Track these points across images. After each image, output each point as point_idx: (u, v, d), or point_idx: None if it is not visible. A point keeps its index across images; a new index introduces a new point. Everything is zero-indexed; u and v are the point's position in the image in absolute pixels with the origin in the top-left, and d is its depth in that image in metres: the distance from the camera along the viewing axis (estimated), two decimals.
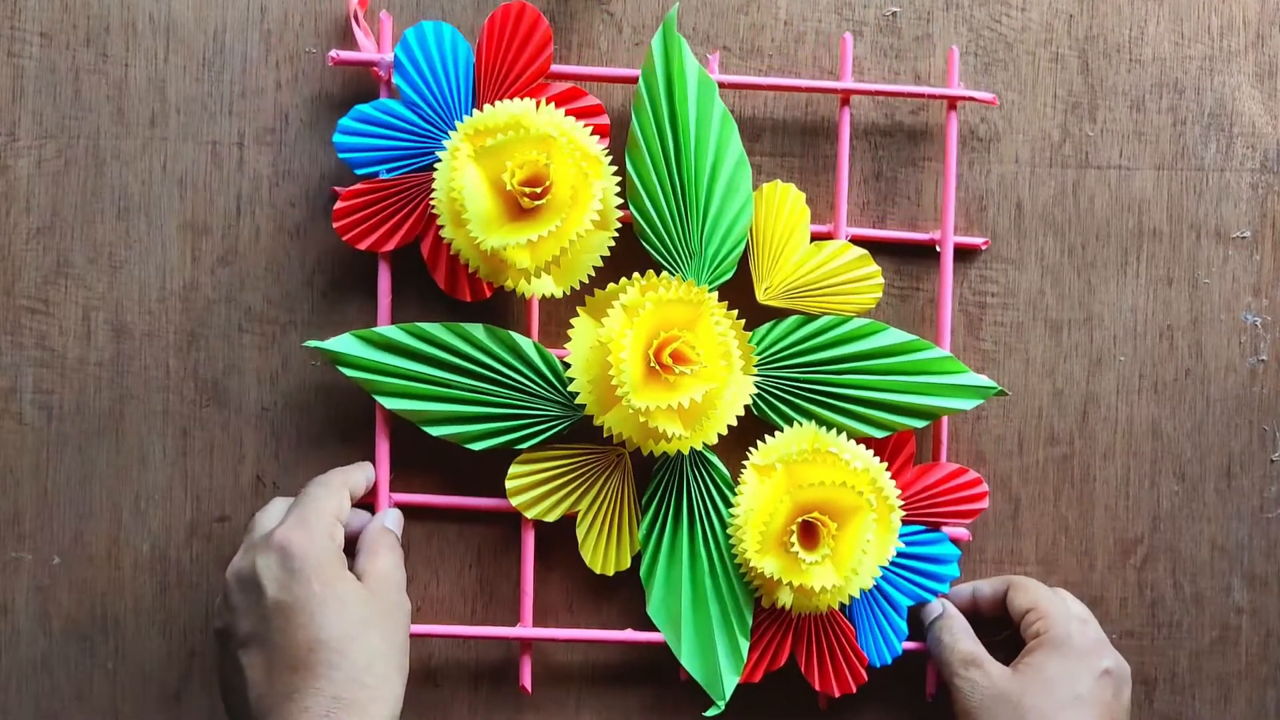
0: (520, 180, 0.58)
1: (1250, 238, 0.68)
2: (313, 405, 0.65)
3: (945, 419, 0.65)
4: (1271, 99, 0.68)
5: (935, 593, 0.65)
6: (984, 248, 0.67)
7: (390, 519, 0.62)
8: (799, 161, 0.66)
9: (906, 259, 0.67)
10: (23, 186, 0.64)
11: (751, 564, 0.61)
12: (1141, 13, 0.68)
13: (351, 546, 0.60)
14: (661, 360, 0.59)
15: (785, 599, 0.62)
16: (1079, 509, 0.68)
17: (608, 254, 0.61)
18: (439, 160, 0.60)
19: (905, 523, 0.64)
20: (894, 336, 0.64)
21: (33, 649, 0.64)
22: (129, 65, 0.64)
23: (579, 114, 0.62)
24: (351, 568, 0.58)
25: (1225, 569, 0.69)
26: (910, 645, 0.65)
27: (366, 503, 0.63)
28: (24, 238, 0.64)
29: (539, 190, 0.58)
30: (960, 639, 0.63)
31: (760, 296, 0.64)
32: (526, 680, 0.64)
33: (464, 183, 0.58)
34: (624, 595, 0.66)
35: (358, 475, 0.62)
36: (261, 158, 0.64)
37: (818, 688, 0.64)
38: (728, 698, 0.62)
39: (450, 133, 0.60)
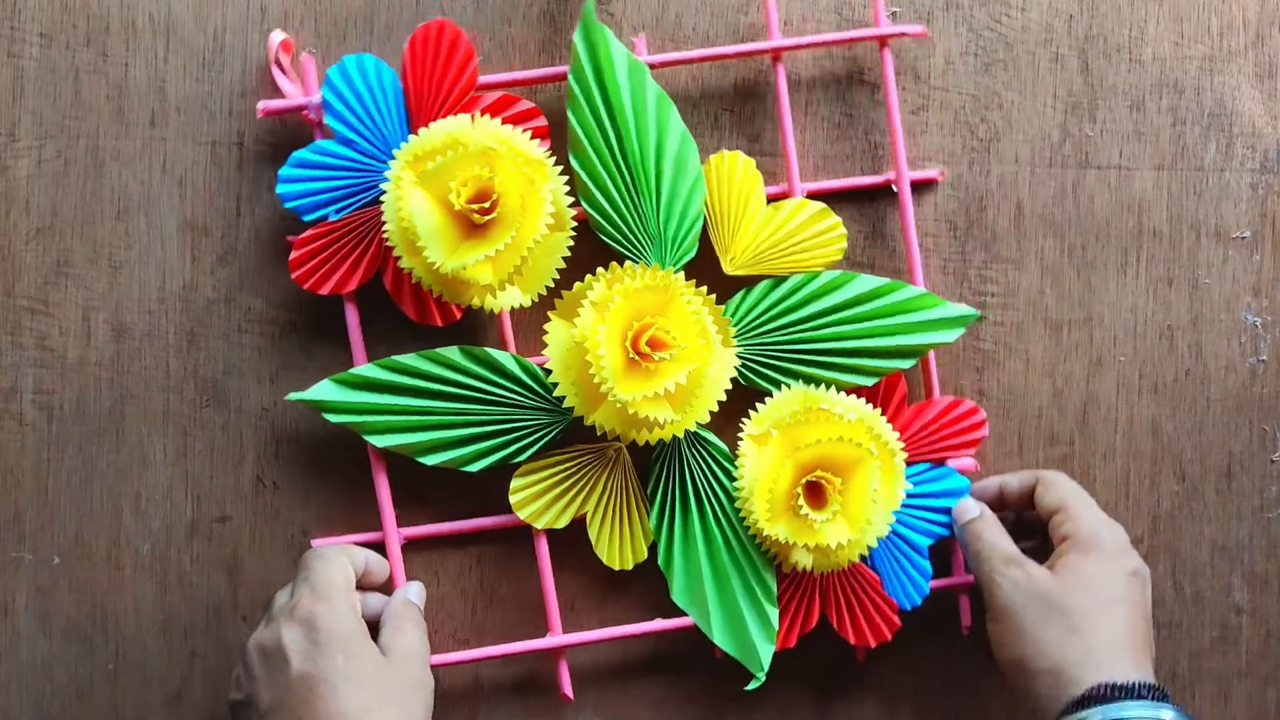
0: (467, 197, 0.58)
1: (1250, 238, 0.68)
2: (311, 405, 0.65)
3: (932, 354, 0.65)
4: (1271, 99, 0.68)
5: (951, 526, 0.64)
6: (940, 179, 0.67)
7: (413, 592, 0.62)
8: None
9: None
10: (23, 186, 0.64)
11: (764, 532, 0.61)
12: (1141, 13, 0.68)
13: (370, 626, 0.60)
14: (640, 349, 0.59)
15: (804, 561, 0.62)
16: None
17: (569, 254, 0.61)
18: (384, 192, 0.59)
19: (910, 463, 0.64)
20: (866, 283, 0.63)
21: (33, 649, 0.64)
22: (129, 65, 0.64)
23: (515, 120, 0.61)
24: (375, 641, 0.58)
25: (1225, 569, 0.69)
26: (938, 583, 0.65)
27: (377, 543, 0.63)
28: (24, 238, 0.64)
29: (488, 205, 0.58)
30: (1000, 538, 0.62)
31: (727, 268, 0.64)
32: (567, 688, 0.64)
33: (412, 210, 0.58)
34: (641, 587, 0.65)
35: (354, 552, 0.61)
36: (261, 158, 0.64)
37: (853, 641, 0.64)
38: (766, 668, 0.62)
39: (390, 162, 0.60)
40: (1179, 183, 0.68)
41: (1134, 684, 0.56)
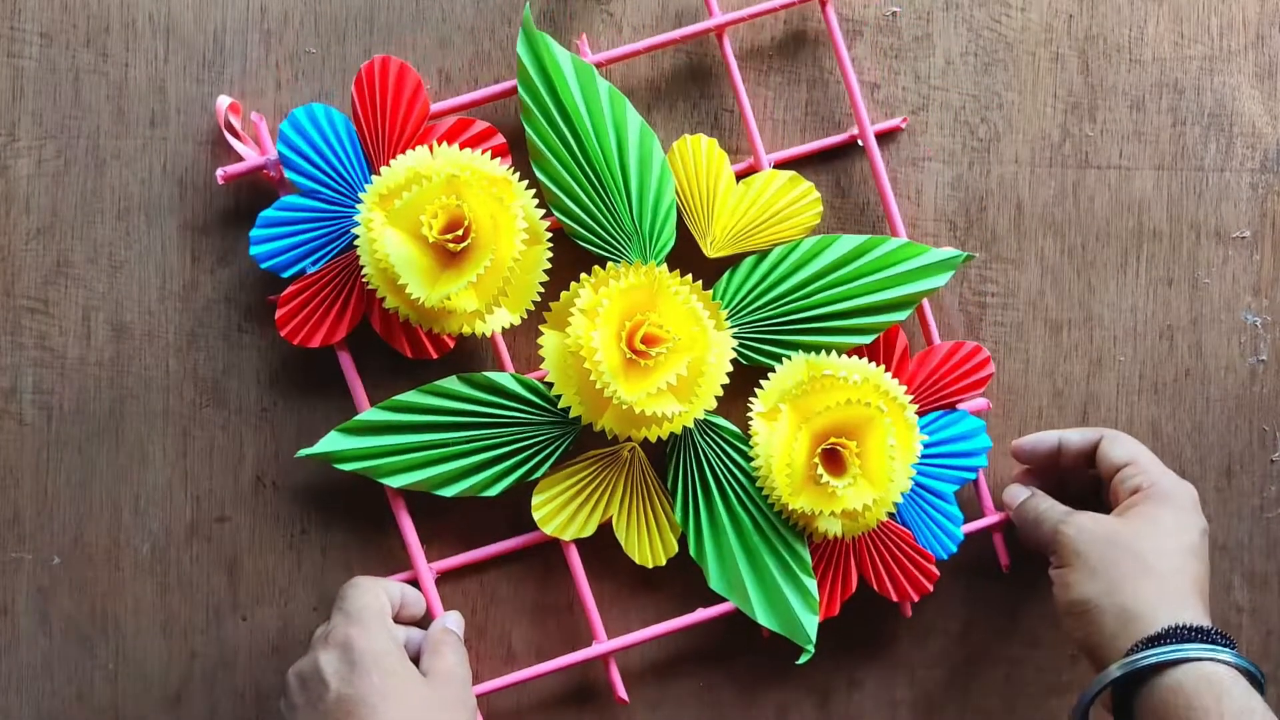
0: (440, 228, 0.58)
1: (1250, 238, 0.68)
2: (313, 405, 0.65)
3: (926, 302, 0.65)
4: (1271, 99, 0.68)
5: (975, 469, 0.64)
6: (904, 125, 0.66)
7: (451, 620, 0.62)
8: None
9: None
10: (23, 186, 0.64)
11: (789, 507, 0.61)
12: (1141, 13, 0.68)
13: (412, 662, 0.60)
14: (635, 347, 0.59)
15: (833, 528, 0.62)
16: None
17: (550, 265, 0.61)
18: (357, 236, 0.59)
19: (922, 413, 0.64)
20: (847, 243, 0.63)
21: (33, 649, 0.64)
22: (129, 65, 0.64)
23: (473, 142, 0.62)
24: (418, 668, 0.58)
25: (1225, 569, 0.69)
26: (970, 527, 0.65)
27: (410, 579, 0.63)
28: (24, 238, 0.64)
29: (461, 232, 0.58)
30: (1056, 504, 0.62)
31: (708, 252, 0.64)
32: (621, 691, 0.64)
33: (388, 249, 0.58)
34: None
35: (389, 584, 0.61)
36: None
37: (895, 598, 0.64)
38: (814, 640, 0.62)
39: (358, 206, 0.60)
40: (1179, 183, 0.68)
41: (1210, 628, 0.56)
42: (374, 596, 0.59)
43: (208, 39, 0.64)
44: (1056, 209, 0.68)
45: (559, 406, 0.62)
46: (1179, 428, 0.68)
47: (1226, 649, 0.55)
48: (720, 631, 0.65)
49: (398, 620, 0.61)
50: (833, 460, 0.61)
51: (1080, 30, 0.67)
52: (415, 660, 0.59)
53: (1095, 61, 0.68)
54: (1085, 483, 0.66)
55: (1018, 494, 0.64)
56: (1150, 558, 0.58)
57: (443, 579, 0.65)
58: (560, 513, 0.63)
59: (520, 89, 0.61)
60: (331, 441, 0.62)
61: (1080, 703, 0.58)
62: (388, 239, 0.58)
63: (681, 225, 0.63)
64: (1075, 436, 0.64)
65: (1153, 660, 0.55)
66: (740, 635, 0.65)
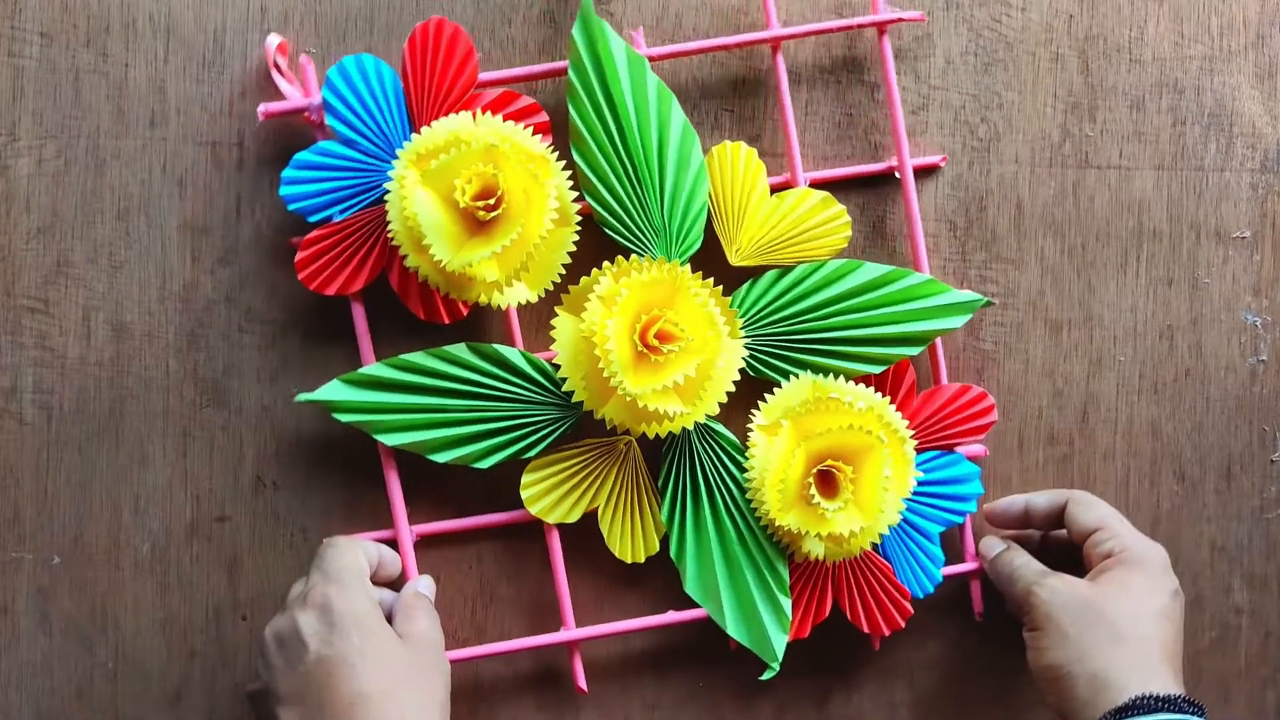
0: (472, 194, 0.58)
1: (1250, 238, 0.68)
2: (313, 405, 0.65)
3: (939, 342, 0.65)
4: (1271, 99, 0.68)
5: (963, 513, 0.65)
6: (942, 164, 0.67)
7: (423, 584, 0.62)
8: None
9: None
10: (23, 186, 0.64)
11: (776, 522, 0.61)
12: (1141, 13, 0.68)
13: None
14: (648, 342, 0.59)
15: (816, 550, 0.62)
16: None
17: (574, 249, 0.61)
18: (388, 191, 0.59)
19: (919, 450, 0.64)
20: (871, 271, 0.63)
21: (33, 649, 0.64)
22: (129, 65, 0.64)
23: (517, 116, 0.62)
24: None
25: (1225, 569, 0.69)
26: (950, 570, 0.65)
27: (389, 540, 0.63)
28: (24, 238, 0.64)
29: (493, 201, 0.58)
30: (1031, 561, 0.63)
31: (733, 259, 0.64)
32: (581, 681, 0.64)
33: (417, 208, 0.58)
34: (651, 581, 0.66)
35: (367, 544, 0.61)
36: (262, 158, 0.64)
37: (866, 630, 0.64)
38: (780, 658, 0.62)
39: (394, 162, 0.60)
40: (1179, 183, 0.68)
41: (1178, 697, 0.56)
42: (353, 557, 0.58)
43: (208, 39, 0.64)
44: (1056, 209, 0.68)
45: (563, 390, 0.62)
46: (1179, 428, 0.68)
47: (1190, 718, 0.55)
48: (720, 632, 0.65)
49: (374, 581, 0.61)
50: (826, 483, 0.61)
51: (1080, 30, 0.67)
52: (388, 621, 0.59)
53: (1095, 61, 0.67)
54: (1064, 540, 0.66)
55: (993, 546, 0.65)
56: (1122, 624, 0.58)
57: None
58: (548, 495, 0.63)
59: (570, 71, 0.61)
60: (333, 390, 0.62)
61: None
62: (418, 198, 0.58)
63: (709, 229, 0.63)
64: (1042, 500, 0.65)
65: None
66: (715, 644, 0.65)
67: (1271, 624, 0.69)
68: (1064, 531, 0.65)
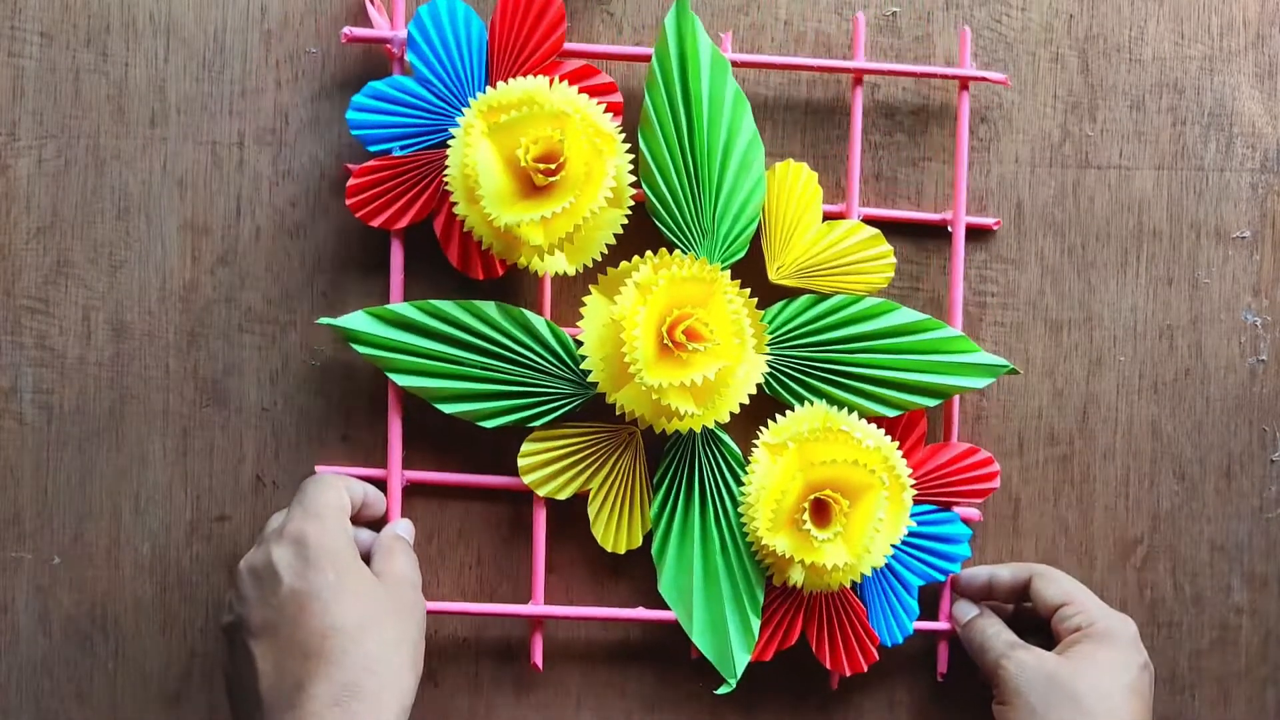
0: (534, 156, 0.58)
1: (1250, 238, 0.68)
2: (313, 405, 0.65)
3: (956, 399, 0.65)
4: (1271, 99, 0.68)
5: (946, 572, 0.65)
6: (996, 228, 0.67)
7: (402, 527, 0.62)
8: (808, 143, 0.66)
9: (917, 240, 0.67)
10: (23, 186, 0.64)
11: (763, 542, 0.61)
12: (1141, 13, 0.68)
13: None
14: (674, 338, 0.59)
15: (797, 577, 0.62)
16: (1079, 509, 0.68)
17: (620, 232, 0.61)
18: (453, 137, 0.60)
19: (916, 502, 0.64)
20: (906, 316, 0.63)
21: (33, 649, 0.64)
22: (129, 65, 0.64)
23: (592, 92, 0.62)
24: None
25: (1225, 569, 0.69)
26: (921, 625, 0.65)
27: (379, 479, 0.64)
28: (24, 238, 0.64)
29: (553, 167, 0.58)
30: (1003, 629, 0.63)
31: (772, 275, 0.64)
32: (538, 658, 0.64)
33: (478, 159, 0.58)
34: (634, 575, 0.66)
35: (351, 482, 0.61)
36: (261, 158, 0.64)
37: (829, 666, 0.64)
38: (739, 676, 0.62)
39: (464, 110, 0.60)
40: (1179, 183, 0.68)
41: None
42: (336, 493, 0.58)
43: (208, 39, 0.64)
44: (1056, 209, 0.68)
45: (581, 368, 0.62)
46: (1179, 428, 0.68)
47: None
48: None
49: (356, 520, 0.61)
50: (820, 512, 0.61)
51: (1080, 30, 0.67)
52: (365, 560, 0.59)
53: (1095, 61, 0.67)
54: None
55: (966, 612, 0.65)
56: (1088, 700, 0.58)
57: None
58: (544, 468, 0.63)
59: (654, 58, 0.62)
60: (356, 320, 0.62)
61: None
62: (481, 150, 0.58)
63: (755, 242, 0.63)
64: (1005, 574, 0.65)
65: None
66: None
67: (1271, 624, 0.69)
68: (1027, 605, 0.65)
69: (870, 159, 0.67)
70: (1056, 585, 0.63)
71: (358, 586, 0.56)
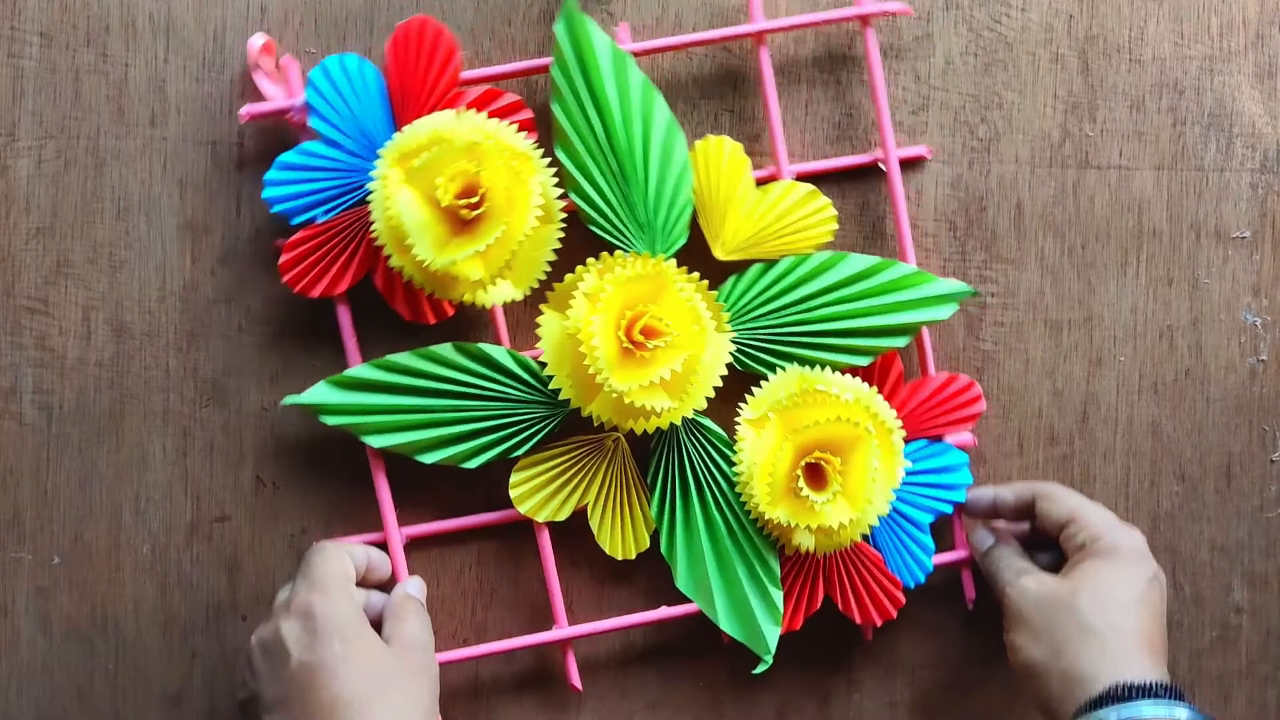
0: (455, 193, 0.58)
1: (1250, 238, 0.68)
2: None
3: (926, 331, 0.65)
4: (1271, 99, 0.68)
5: (951, 502, 0.65)
6: (929, 156, 0.66)
7: (413, 586, 0.62)
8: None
9: (917, 239, 0.67)
10: (23, 186, 0.64)
11: (766, 516, 0.61)
12: (1141, 13, 0.68)
13: (376, 625, 0.60)
14: (633, 338, 0.59)
15: (806, 542, 0.62)
16: None
17: (559, 246, 0.61)
18: (371, 191, 0.59)
19: (907, 441, 0.64)
20: (857, 263, 0.63)
21: (33, 650, 0.64)
22: (129, 65, 0.64)
23: (500, 114, 0.61)
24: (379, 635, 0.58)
25: (1225, 569, 0.69)
26: (940, 559, 0.65)
27: (380, 542, 0.63)
28: (24, 238, 0.64)
29: (476, 200, 0.58)
30: (1013, 556, 0.63)
31: (718, 254, 0.63)
32: (575, 679, 0.64)
33: (400, 208, 0.57)
34: (645, 575, 0.65)
35: (354, 548, 0.61)
36: (261, 158, 0.64)
37: (858, 620, 0.64)
38: (773, 651, 0.62)
39: (377, 161, 0.60)
40: (1179, 183, 0.68)
41: (1150, 683, 0.56)
42: (339, 562, 0.58)
43: (208, 39, 0.64)
44: (1056, 209, 0.68)
45: (550, 388, 0.61)
46: (1179, 428, 0.68)
47: (1168, 702, 0.55)
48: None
49: (364, 583, 0.61)
50: (814, 475, 0.61)
51: (1080, 30, 0.67)
52: (378, 624, 0.59)
53: (1095, 61, 0.68)
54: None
55: (983, 541, 0.64)
56: (1091, 617, 0.58)
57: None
58: (537, 493, 0.63)
59: (553, 68, 0.61)
60: (319, 393, 0.61)
61: None
62: (401, 198, 0.58)
63: (694, 224, 0.63)
64: (1009, 495, 0.64)
65: None
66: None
67: (1272, 623, 0.69)
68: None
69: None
70: (1060, 504, 0.62)
71: (365, 656, 0.56)
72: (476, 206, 0.58)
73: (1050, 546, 0.64)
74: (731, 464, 0.63)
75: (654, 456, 0.64)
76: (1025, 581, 0.60)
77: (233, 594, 0.65)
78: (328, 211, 0.61)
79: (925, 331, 0.65)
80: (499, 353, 0.62)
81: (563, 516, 0.63)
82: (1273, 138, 0.68)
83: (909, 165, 0.67)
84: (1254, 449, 0.69)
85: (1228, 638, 0.69)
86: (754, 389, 0.63)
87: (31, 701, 0.64)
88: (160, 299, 0.64)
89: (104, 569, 0.65)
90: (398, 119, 0.61)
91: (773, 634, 0.63)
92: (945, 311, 0.64)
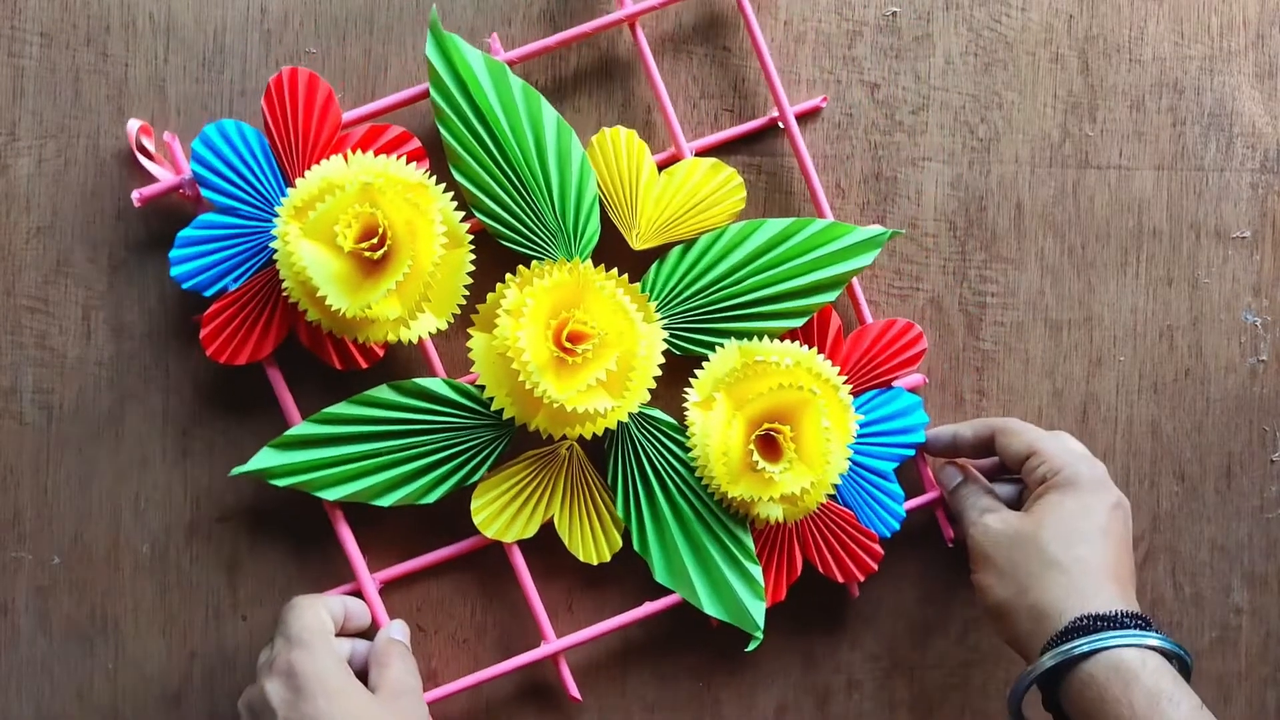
0: (355, 236, 0.58)
1: (1250, 238, 0.68)
2: (313, 405, 0.65)
3: (856, 281, 0.65)
4: (1271, 99, 0.68)
5: (912, 445, 0.64)
6: (823, 105, 0.66)
7: (395, 630, 0.62)
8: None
9: (917, 240, 0.67)
10: (23, 186, 0.64)
11: (728, 495, 0.61)
12: (1141, 13, 0.68)
13: (361, 675, 0.60)
14: (563, 345, 0.59)
15: (774, 513, 0.62)
16: None
17: (474, 268, 0.61)
18: (276, 251, 0.59)
19: (857, 393, 0.64)
20: (773, 227, 0.63)
21: (33, 650, 0.64)
22: (129, 65, 0.64)
23: (389, 149, 0.61)
24: (365, 684, 0.58)
25: (1225, 569, 0.69)
26: (912, 504, 0.65)
27: (354, 592, 0.63)
28: (24, 237, 0.64)
29: (377, 240, 0.58)
30: (978, 495, 0.62)
31: (635, 244, 0.63)
32: (573, 690, 0.64)
33: (305, 261, 0.57)
34: (622, 574, 0.65)
35: (330, 600, 0.61)
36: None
37: (840, 579, 0.64)
38: (762, 626, 0.62)
39: (275, 220, 0.60)
40: (1179, 183, 0.68)
41: (1117, 613, 0.55)
42: (314, 616, 0.58)
43: (208, 39, 0.64)
44: (1056, 209, 0.68)
45: (492, 409, 0.61)
46: (1179, 428, 0.68)
47: (1135, 632, 0.54)
48: (721, 631, 0.65)
49: (344, 633, 0.61)
50: (769, 446, 0.61)
51: (1080, 30, 0.67)
52: (364, 673, 0.59)
53: (1095, 61, 0.68)
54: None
55: (951, 478, 0.64)
56: (1055, 551, 0.57)
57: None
58: (500, 515, 0.63)
59: (432, 91, 0.61)
60: (264, 458, 0.61)
61: (1010, 704, 0.58)
62: (304, 251, 0.57)
63: (606, 219, 0.63)
64: (967, 432, 0.64)
65: (1059, 659, 0.55)
66: (740, 636, 0.65)
67: (1272, 623, 0.69)
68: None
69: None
70: (1019, 438, 0.62)
71: (350, 708, 0.55)
72: (379, 246, 0.58)
73: (1017, 479, 0.64)
74: (687, 450, 0.63)
75: (610, 457, 0.63)
76: (989, 520, 0.60)
77: (233, 594, 0.65)
78: (238, 279, 0.61)
79: (855, 282, 0.65)
80: (435, 384, 0.62)
81: (530, 533, 0.63)
82: (1273, 138, 0.68)
83: (907, 163, 0.67)
84: (1254, 449, 0.69)
85: (1227, 639, 0.69)
86: (696, 371, 0.63)
87: (31, 700, 0.64)
88: (160, 299, 0.64)
89: (104, 569, 0.65)
90: (288, 174, 0.61)
91: (758, 609, 0.63)
92: (868, 258, 0.64)
